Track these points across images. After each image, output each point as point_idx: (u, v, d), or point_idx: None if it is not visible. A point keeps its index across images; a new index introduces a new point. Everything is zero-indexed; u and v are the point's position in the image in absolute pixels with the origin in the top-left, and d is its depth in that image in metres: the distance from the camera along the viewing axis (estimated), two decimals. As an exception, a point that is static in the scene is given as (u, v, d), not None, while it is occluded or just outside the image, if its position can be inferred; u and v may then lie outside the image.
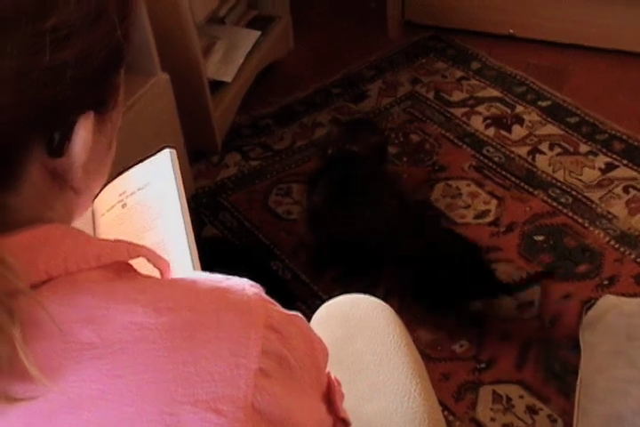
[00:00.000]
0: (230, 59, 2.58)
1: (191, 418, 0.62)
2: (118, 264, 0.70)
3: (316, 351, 0.78)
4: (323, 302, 1.35)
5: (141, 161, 1.05)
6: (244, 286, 0.71)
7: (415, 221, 2.09)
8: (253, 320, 0.68)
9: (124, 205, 1.05)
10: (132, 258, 0.72)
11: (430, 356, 1.95)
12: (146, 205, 1.03)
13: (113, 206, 1.05)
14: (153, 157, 1.05)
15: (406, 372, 1.21)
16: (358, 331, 1.25)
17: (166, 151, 1.05)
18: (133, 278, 0.71)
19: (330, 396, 0.86)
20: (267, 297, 0.72)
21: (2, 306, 0.59)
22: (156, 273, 0.77)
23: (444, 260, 1.99)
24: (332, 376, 0.87)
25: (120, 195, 1.05)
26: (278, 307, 0.73)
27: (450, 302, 2.00)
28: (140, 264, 0.74)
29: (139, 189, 1.05)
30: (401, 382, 1.20)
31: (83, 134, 0.66)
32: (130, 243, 0.73)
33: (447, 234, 2.11)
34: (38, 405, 0.61)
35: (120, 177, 1.06)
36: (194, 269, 0.94)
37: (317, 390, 0.81)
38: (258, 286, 0.73)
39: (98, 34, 0.63)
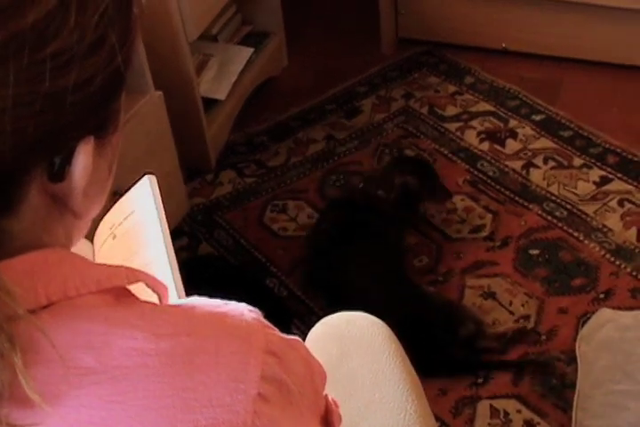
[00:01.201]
0: (223, 76, 2.59)
1: None
2: (117, 289, 0.70)
3: (315, 375, 0.78)
4: (319, 318, 1.35)
5: (127, 191, 1.07)
6: (242, 311, 0.71)
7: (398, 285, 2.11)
8: (253, 346, 0.68)
9: (114, 237, 1.06)
10: (130, 283, 0.72)
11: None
12: (131, 233, 1.05)
13: (105, 240, 1.07)
14: (135, 185, 1.06)
15: (402, 389, 1.20)
16: (354, 349, 1.25)
17: (145, 178, 1.06)
18: (132, 304, 0.70)
19: (328, 418, 0.86)
20: (265, 322, 0.72)
21: (2, 332, 0.59)
22: (153, 299, 0.77)
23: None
24: (330, 398, 0.87)
25: (110, 228, 1.07)
26: (277, 332, 0.73)
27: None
28: (138, 290, 0.74)
29: (124, 219, 1.06)
30: (397, 399, 1.20)
31: (83, 159, 0.66)
32: (128, 268, 0.73)
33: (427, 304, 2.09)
34: None
35: (109, 212, 1.07)
36: (177, 292, 0.94)
37: (315, 414, 0.81)
38: (256, 310, 0.72)
39: (98, 60, 0.63)
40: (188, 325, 0.68)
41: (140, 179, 1.07)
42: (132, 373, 0.63)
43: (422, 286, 2.14)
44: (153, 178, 1.07)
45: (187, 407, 0.63)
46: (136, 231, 1.04)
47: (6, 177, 0.62)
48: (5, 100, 0.58)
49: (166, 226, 1.03)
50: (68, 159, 0.65)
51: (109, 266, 0.72)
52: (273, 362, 0.68)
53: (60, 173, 0.65)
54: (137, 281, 0.72)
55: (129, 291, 0.72)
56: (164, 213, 1.04)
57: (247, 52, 2.69)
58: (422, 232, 2.31)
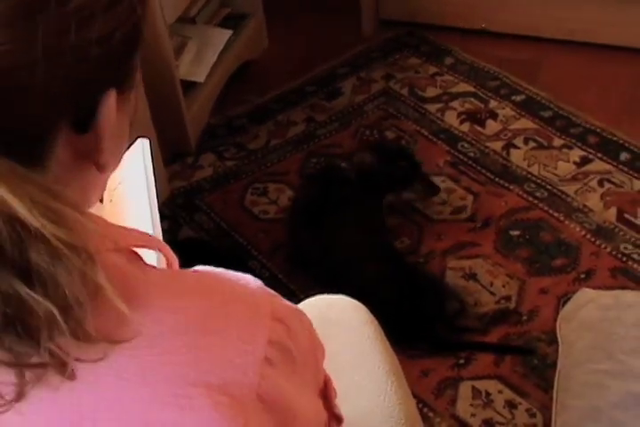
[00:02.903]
0: (202, 59, 2.57)
1: (204, 402, 0.66)
2: (129, 251, 0.72)
3: (317, 350, 0.82)
4: (300, 301, 1.35)
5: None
6: (248, 280, 0.76)
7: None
8: (260, 311, 0.72)
9: (111, 201, 1.10)
10: (144, 246, 0.75)
11: (409, 353, 1.95)
12: (125, 196, 1.08)
13: (104, 205, 1.10)
14: (128, 149, 1.10)
15: (381, 371, 1.21)
16: (333, 332, 1.25)
17: (138, 141, 1.10)
18: (145, 266, 0.73)
19: (326, 392, 0.90)
20: (271, 291, 0.76)
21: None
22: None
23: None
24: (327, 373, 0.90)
25: (108, 192, 1.10)
26: (283, 300, 0.77)
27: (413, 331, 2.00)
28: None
29: (119, 184, 1.09)
30: (376, 381, 1.20)
31: (107, 111, 0.69)
32: (142, 232, 0.76)
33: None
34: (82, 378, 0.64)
35: None
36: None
37: (315, 386, 0.85)
38: (260, 281, 0.77)
39: (118, 14, 0.66)
40: (200, 289, 0.72)
41: (133, 142, 1.09)
42: (149, 329, 0.66)
43: (407, 259, 2.16)
44: (145, 141, 1.08)
45: (200, 366, 0.67)
46: (128, 195, 1.07)
47: (35, 131, 0.65)
48: (36, 51, 0.60)
49: (154, 191, 1.05)
50: (93, 111, 0.68)
51: (124, 227, 0.76)
52: (280, 328, 0.72)
53: (85, 124, 0.68)
54: (149, 245, 0.76)
55: (138, 255, 0.74)
56: (153, 177, 1.05)
57: (226, 34, 2.67)
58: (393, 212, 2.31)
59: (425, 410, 1.85)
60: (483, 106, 2.64)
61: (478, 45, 2.87)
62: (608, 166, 2.39)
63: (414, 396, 1.81)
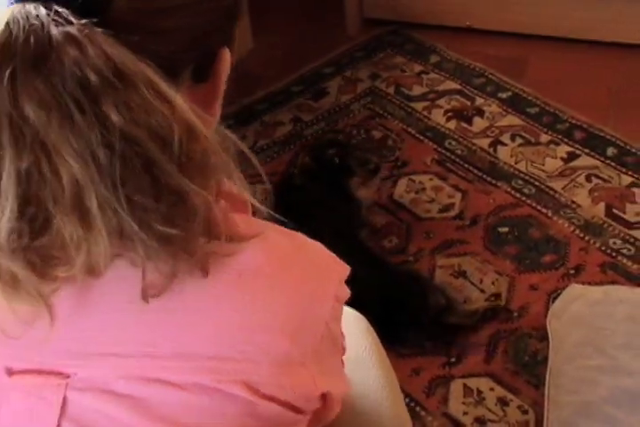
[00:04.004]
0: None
1: (280, 341, 0.79)
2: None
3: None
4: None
5: None
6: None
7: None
8: (332, 280, 0.87)
9: None
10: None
11: (400, 352, 1.95)
12: None
13: None
14: None
15: (376, 385, 1.20)
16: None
17: None
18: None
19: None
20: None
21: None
22: None
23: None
24: None
25: None
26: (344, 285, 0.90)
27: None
28: None
29: None
30: (370, 395, 1.19)
31: (223, 65, 0.83)
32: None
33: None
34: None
35: None
36: None
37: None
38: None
39: None
40: (296, 244, 0.87)
41: None
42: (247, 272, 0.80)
43: (385, 257, 2.16)
44: None
45: (293, 301, 0.81)
46: None
47: (172, 66, 0.75)
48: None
49: None
50: (211, 63, 0.82)
51: None
52: (338, 307, 0.87)
53: (204, 73, 0.82)
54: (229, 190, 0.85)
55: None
56: None
57: (210, 35, 2.66)
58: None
59: (417, 409, 1.85)
60: (469, 103, 2.63)
61: (464, 43, 2.86)
62: (595, 162, 2.39)
63: (406, 395, 1.83)
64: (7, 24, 0.68)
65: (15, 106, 0.67)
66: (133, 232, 0.71)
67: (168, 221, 0.72)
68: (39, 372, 0.80)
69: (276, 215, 0.89)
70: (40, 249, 0.72)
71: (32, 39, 0.68)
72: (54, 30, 0.68)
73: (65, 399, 0.79)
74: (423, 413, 1.85)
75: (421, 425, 1.83)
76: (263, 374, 0.79)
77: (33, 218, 0.70)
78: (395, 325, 1.94)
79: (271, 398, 0.80)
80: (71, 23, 0.69)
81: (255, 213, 0.86)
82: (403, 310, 1.98)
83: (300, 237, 0.88)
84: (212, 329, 0.78)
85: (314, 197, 2.19)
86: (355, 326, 1.26)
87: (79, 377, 0.79)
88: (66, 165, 0.68)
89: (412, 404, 1.86)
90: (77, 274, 0.73)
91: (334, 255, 0.89)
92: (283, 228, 0.87)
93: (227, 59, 0.83)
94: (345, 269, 0.89)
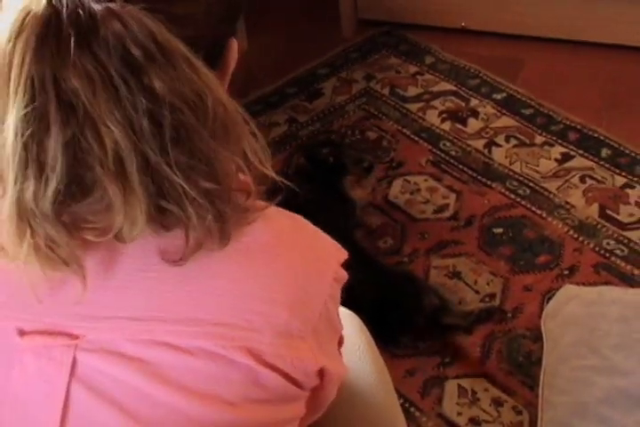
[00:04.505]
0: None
1: (280, 312, 0.84)
2: None
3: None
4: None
5: None
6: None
7: None
8: (330, 267, 0.92)
9: None
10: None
11: (395, 352, 1.95)
12: None
13: None
14: None
15: (370, 383, 1.20)
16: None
17: None
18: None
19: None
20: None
21: None
22: None
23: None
24: None
25: None
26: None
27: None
28: None
29: None
30: (364, 393, 1.19)
31: (232, 53, 0.91)
32: None
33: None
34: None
35: None
36: None
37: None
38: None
39: None
40: (299, 225, 0.94)
41: None
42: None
43: (379, 258, 2.16)
44: None
45: (293, 276, 0.87)
46: None
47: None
48: None
49: None
50: (221, 51, 0.89)
51: None
52: (336, 287, 0.92)
53: (215, 61, 0.87)
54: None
55: None
56: None
57: (205, 36, 2.66)
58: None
59: (411, 409, 1.86)
60: (464, 104, 2.64)
61: (458, 44, 2.87)
62: (589, 163, 2.39)
63: (400, 396, 1.83)
64: (50, 0, 0.72)
65: (62, 78, 0.71)
66: (183, 191, 0.77)
67: (210, 178, 0.78)
68: (50, 333, 0.82)
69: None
70: (79, 214, 0.79)
71: (75, 14, 0.72)
72: (96, 6, 0.73)
73: (74, 360, 0.82)
74: (418, 413, 1.85)
75: (416, 426, 1.83)
76: (266, 342, 0.82)
77: (79, 183, 0.76)
78: (389, 325, 1.95)
79: (273, 367, 0.83)
80: (111, 0, 0.74)
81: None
82: (397, 310, 1.99)
83: (301, 219, 0.94)
84: (219, 297, 0.83)
85: (308, 198, 2.19)
86: (348, 325, 1.26)
87: (88, 339, 0.82)
88: (109, 133, 0.73)
89: (407, 404, 1.86)
90: (107, 240, 0.78)
91: (333, 240, 0.95)
92: (284, 210, 0.92)
93: (234, 49, 0.90)
94: (343, 253, 0.94)
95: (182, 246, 0.80)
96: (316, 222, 2.09)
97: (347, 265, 0.95)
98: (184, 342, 0.81)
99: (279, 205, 2.19)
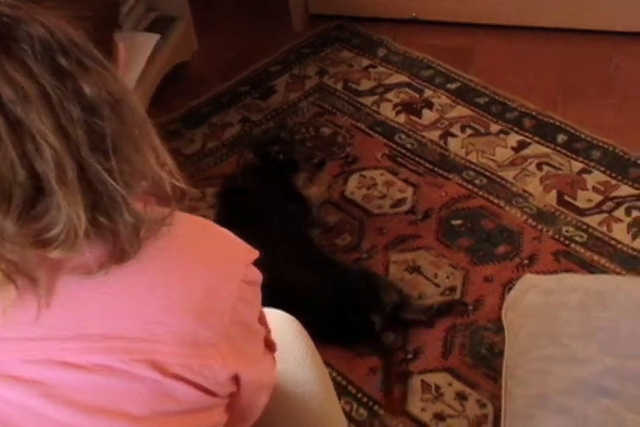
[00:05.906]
0: (131, 65, 2.52)
1: (184, 321, 0.82)
2: None
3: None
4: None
5: None
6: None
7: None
8: (236, 272, 0.89)
9: None
10: None
11: (357, 351, 1.93)
12: None
13: None
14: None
15: (310, 389, 1.18)
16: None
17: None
18: None
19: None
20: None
21: None
22: None
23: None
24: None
25: None
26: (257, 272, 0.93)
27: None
28: None
29: None
30: (305, 397, 1.17)
31: (121, 49, 0.98)
32: None
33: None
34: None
35: None
36: None
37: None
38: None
39: None
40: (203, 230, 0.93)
41: None
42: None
43: (337, 256, 2.13)
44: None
45: (197, 282, 0.85)
46: None
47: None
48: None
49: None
50: (113, 50, 0.96)
51: None
52: (248, 289, 0.89)
53: (110, 55, 0.89)
54: None
55: None
56: None
57: (153, 38, 2.61)
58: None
59: (375, 408, 1.83)
60: (418, 96, 2.62)
61: (410, 35, 2.85)
62: (546, 149, 2.38)
63: (364, 394, 1.81)
64: None
65: None
66: (123, 200, 0.77)
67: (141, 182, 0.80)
68: None
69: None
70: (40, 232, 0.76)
71: None
72: (7, 10, 0.72)
73: None
74: (382, 411, 1.83)
75: (380, 424, 1.81)
76: (170, 352, 0.80)
77: (36, 200, 0.74)
78: (349, 324, 1.93)
79: (180, 378, 0.81)
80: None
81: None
82: (356, 309, 1.96)
83: (207, 222, 0.94)
84: (117, 310, 0.80)
85: (261, 198, 2.16)
86: (287, 330, 1.24)
87: None
88: (47, 142, 0.71)
89: (371, 403, 1.84)
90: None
91: (242, 241, 0.92)
92: (194, 216, 0.90)
93: (121, 47, 0.97)
94: (252, 253, 0.92)
95: (91, 258, 0.77)
96: (269, 223, 2.07)
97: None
98: (81, 359, 0.78)
99: (230, 207, 2.17)
